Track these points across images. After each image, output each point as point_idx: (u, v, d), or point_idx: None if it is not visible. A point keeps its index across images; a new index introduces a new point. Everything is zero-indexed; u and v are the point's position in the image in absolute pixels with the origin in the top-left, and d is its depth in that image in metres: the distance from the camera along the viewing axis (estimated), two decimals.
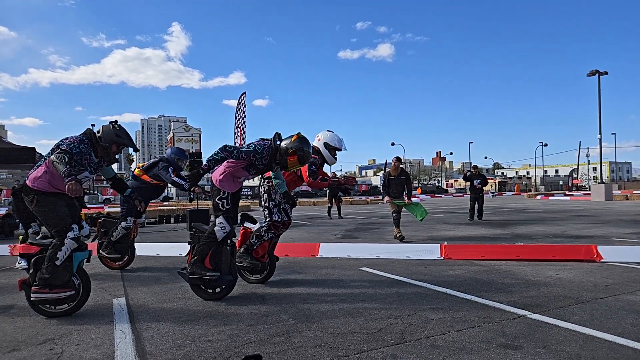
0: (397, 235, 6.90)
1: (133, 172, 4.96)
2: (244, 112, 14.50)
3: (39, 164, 2.99)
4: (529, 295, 3.25)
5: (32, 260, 2.91)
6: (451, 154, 64.31)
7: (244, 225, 3.83)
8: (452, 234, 7.62)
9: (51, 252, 2.79)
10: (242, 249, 3.63)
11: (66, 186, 2.61)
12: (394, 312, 2.89)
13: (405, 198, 6.89)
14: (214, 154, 3.11)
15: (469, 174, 10.66)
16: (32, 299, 2.82)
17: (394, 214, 7.00)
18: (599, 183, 23.01)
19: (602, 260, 4.60)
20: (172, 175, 4.76)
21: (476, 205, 10.35)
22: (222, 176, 3.29)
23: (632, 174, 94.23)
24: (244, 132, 14.19)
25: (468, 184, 10.75)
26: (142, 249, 5.73)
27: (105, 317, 2.89)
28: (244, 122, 14.42)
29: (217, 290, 3.26)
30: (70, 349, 2.33)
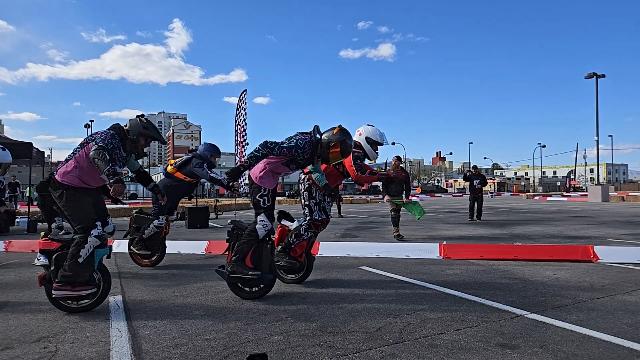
0: (396, 235, 6.91)
1: (165, 169, 4.85)
2: (244, 110, 14.43)
3: (67, 158, 2.97)
4: (527, 295, 3.25)
5: (54, 256, 2.89)
6: (451, 154, 64.59)
7: (282, 223, 3.71)
8: (451, 234, 7.63)
9: (74, 250, 2.79)
10: (280, 247, 3.55)
11: (112, 187, 2.63)
12: (393, 311, 2.88)
13: (404, 197, 6.90)
14: (255, 150, 3.04)
15: (468, 174, 10.69)
16: (53, 295, 2.83)
17: (392, 213, 7.01)
18: (595, 184, 23.12)
19: (598, 260, 4.62)
20: (209, 172, 4.67)
21: (475, 205, 10.38)
22: (262, 173, 3.22)
23: (629, 176, 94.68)
24: (245, 130, 14.14)
25: (468, 184, 10.77)
26: None
27: (101, 315, 2.87)
28: (245, 120, 14.36)
29: (255, 289, 3.21)
30: (65, 347, 2.31)
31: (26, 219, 9.71)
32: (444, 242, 5.37)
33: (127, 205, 15.51)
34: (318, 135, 3.24)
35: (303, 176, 3.69)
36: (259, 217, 3.16)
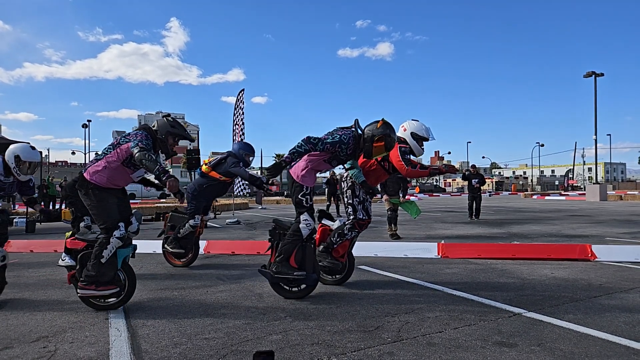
0: (391, 233, 6.92)
1: (200, 168, 4.82)
2: (242, 110, 14.43)
3: (97, 158, 2.99)
4: (525, 294, 3.27)
5: (78, 256, 2.97)
6: (449, 153, 64.77)
7: (322, 222, 3.62)
8: (449, 233, 7.65)
9: (97, 250, 2.84)
10: (322, 247, 3.45)
11: (167, 183, 2.67)
12: (391, 310, 2.89)
13: (401, 196, 6.92)
14: (298, 146, 2.98)
15: (467, 173, 10.73)
16: (78, 294, 2.91)
17: (389, 212, 7.02)
18: (594, 183, 23.20)
19: (596, 259, 4.64)
20: (247, 171, 4.61)
21: (474, 204, 10.42)
22: (304, 171, 3.17)
23: (627, 175, 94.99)
24: (243, 130, 14.15)
25: (466, 183, 10.81)
26: (139, 246, 5.69)
27: (100, 315, 2.87)
28: (242, 120, 14.36)
29: (295, 289, 3.17)
30: (64, 346, 2.31)
31: (24, 219, 9.69)
32: (442, 242, 5.39)
33: None
34: (359, 130, 3.19)
35: (345, 174, 3.60)
36: (301, 217, 3.10)
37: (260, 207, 17.52)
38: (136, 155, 2.74)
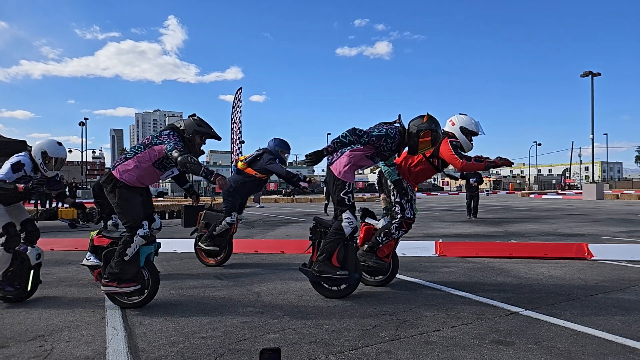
0: None
1: (236, 165, 4.79)
2: (240, 108, 14.40)
3: (127, 156, 2.98)
4: (522, 292, 3.28)
5: (103, 253, 3.00)
6: None
7: (366, 221, 3.52)
8: (447, 232, 7.68)
9: (121, 248, 2.86)
10: (366, 247, 3.32)
11: (217, 182, 2.69)
12: (389, 308, 2.90)
13: None
14: (342, 136, 2.92)
15: (465, 172, 10.76)
16: (102, 290, 2.95)
17: (384, 211, 7.03)
18: (590, 182, 23.32)
19: (592, 258, 4.67)
20: (284, 167, 4.56)
21: (472, 202, 10.46)
22: (346, 168, 3.10)
23: (623, 174, 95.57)
24: (240, 128, 14.11)
25: (464, 182, 10.85)
26: None
27: (97, 314, 2.86)
28: (240, 119, 14.33)
29: (335, 288, 3.14)
30: (61, 345, 2.30)
31: None
32: (440, 240, 5.40)
33: None
34: (403, 125, 3.16)
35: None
36: (344, 215, 3.06)
37: (258, 206, 17.51)
38: (179, 159, 2.71)
